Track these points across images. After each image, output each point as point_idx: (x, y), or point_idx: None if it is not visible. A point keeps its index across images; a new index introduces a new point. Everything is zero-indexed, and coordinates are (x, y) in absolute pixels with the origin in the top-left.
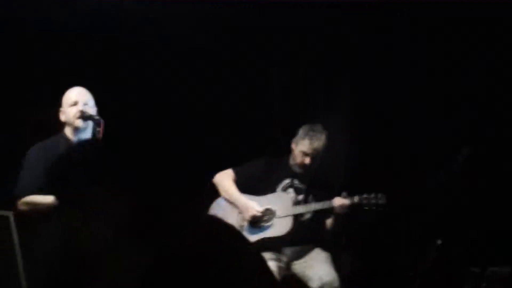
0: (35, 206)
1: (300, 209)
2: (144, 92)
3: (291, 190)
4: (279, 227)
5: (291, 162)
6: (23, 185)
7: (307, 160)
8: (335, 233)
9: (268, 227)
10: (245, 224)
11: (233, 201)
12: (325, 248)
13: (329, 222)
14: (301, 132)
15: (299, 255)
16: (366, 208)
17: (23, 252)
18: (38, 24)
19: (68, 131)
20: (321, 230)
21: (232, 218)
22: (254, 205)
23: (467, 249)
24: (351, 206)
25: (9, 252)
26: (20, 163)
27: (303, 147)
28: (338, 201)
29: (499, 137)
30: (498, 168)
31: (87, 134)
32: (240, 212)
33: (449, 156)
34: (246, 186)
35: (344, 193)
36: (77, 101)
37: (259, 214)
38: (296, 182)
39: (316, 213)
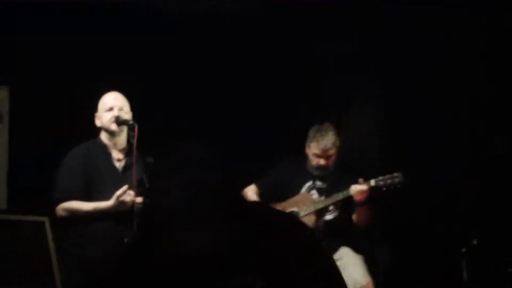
0: (74, 212)
1: (319, 204)
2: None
3: (314, 191)
4: None
5: (308, 165)
6: (63, 190)
7: (322, 162)
8: (367, 228)
9: None
10: None
11: None
12: (357, 249)
13: (355, 217)
14: (310, 134)
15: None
16: (384, 188)
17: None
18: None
19: (103, 136)
20: (350, 228)
21: None
22: None
23: (504, 249)
24: (369, 190)
25: (45, 257)
26: (57, 168)
27: (314, 149)
28: (355, 188)
29: None
30: None
31: (122, 139)
32: None
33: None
34: (272, 195)
35: (360, 179)
36: (112, 106)
37: None
38: (318, 183)
39: (341, 211)
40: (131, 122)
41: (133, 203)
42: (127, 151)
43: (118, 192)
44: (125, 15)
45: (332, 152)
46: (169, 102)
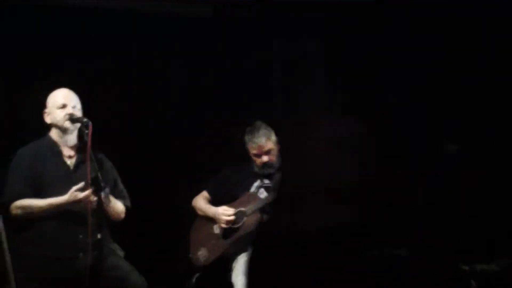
0: (28, 209)
1: (258, 204)
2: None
3: (262, 190)
4: (247, 225)
5: (255, 166)
6: (11, 192)
7: (264, 159)
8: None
9: (240, 227)
10: (219, 231)
11: (207, 215)
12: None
13: None
14: (245, 138)
15: None
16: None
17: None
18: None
19: (54, 134)
20: None
21: (205, 230)
22: (222, 210)
23: (456, 247)
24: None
25: None
26: (6, 168)
27: (252, 150)
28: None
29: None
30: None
31: (73, 137)
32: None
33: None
34: (223, 198)
35: None
36: (65, 104)
37: (228, 217)
38: (266, 181)
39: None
40: (85, 120)
41: (87, 201)
42: (78, 148)
43: (75, 187)
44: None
45: (269, 146)
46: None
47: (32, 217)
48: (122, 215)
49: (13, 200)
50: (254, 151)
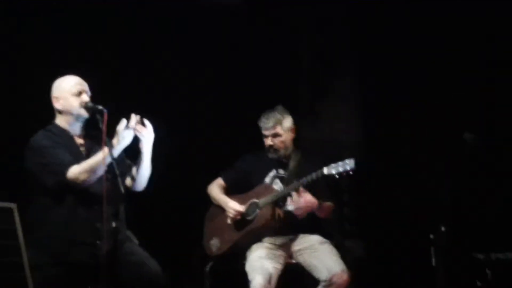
0: (89, 168)
1: (277, 194)
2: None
3: (277, 180)
4: (260, 218)
5: (267, 152)
6: (60, 159)
7: (269, 141)
8: (336, 221)
9: (252, 220)
10: (232, 222)
11: (220, 205)
12: (326, 237)
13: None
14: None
15: (298, 243)
16: (337, 176)
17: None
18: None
19: (62, 120)
20: (314, 218)
21: (219, 220)
22: (233, 204)
23: (471, 235)
24: (321, 178)
25: (13, 243)
26: (24, 156)
27: (263, 131)
28: (293, 202)
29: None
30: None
31: (81, 124)
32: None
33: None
34: (239, 186)
35: (301, 189)
36: (81, 91)
37: (237, 212)
38: (281, 171)
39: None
40: (101, 108)
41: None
42: (85, 135)
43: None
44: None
45: (276, 131)
46: (125, 89)
47: (93, 177)
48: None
49: (67, 168)
50: (263, 131)
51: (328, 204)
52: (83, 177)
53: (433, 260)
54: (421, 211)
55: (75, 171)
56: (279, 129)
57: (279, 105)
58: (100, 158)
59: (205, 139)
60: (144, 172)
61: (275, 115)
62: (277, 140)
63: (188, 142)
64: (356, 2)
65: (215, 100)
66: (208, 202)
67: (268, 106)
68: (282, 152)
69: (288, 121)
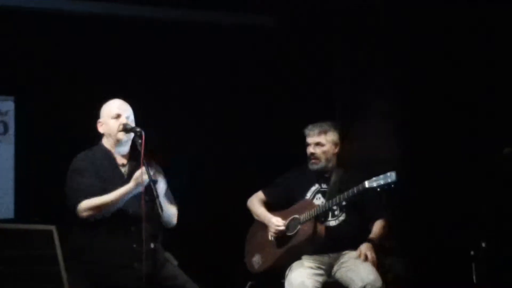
0: (97, 208)
1: (318, 210)
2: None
3: (319, 195)
4: (301, 234)
5: (308, 163)
6: (79, 190)
7: (311, 149)
8: (380, 237)
9: (293, 235)
10: (273, 238)
11: (262, 221)
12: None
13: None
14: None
15: (336, 261)
16: (379, 189)
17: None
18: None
19: (107, 143)
20: (359, 232)
21: (261, 236)
22: (274, 220)
23: None
24: (363, 192)
25: (53, 265)
26: (65, 175)
27: (306, 139)
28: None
29: None
30: None
31: (127, 147)
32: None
33: None
34: (280, 201)
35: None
36: (120, 114)
37: (278, 228)
38: (323, 186)
39: (349, 214)
40: (139, 129)
41: (142, 208)
42: (130, 156)
43: (137, 173)
44: (125, 23)
45: (320, 140)
46: (171, 109)
47: (99, 216)
48: (175, 220)
49: (80, 200)
50: (306, 140)
51: (377, 236)
52: (87, 214)
53: (474, 276)
54: (462, 227)
55: (83, 206)
56: (322, 138)
57: (331, 121)
58: (112, 197)
59: (245, 156)
60: (166, 212)
61: (322, 125)
62: (319, 149)
63: (226, 157)
64: (395, 18)
65: (253, 120)
66: (247, 218)
67: (307, 124)
68: (323, 163)
69: (333, 134)
